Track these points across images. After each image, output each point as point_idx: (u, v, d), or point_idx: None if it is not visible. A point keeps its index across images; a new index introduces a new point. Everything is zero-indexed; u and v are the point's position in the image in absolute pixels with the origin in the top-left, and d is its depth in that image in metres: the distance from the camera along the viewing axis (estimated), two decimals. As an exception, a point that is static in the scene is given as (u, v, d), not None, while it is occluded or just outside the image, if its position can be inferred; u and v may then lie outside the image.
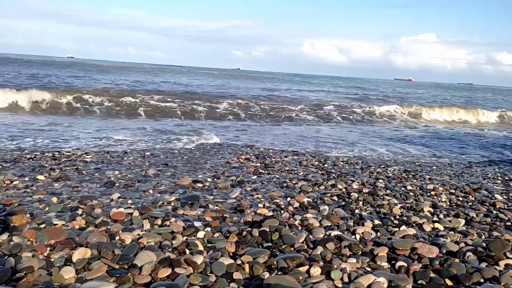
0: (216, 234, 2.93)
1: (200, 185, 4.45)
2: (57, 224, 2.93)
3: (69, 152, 6.13)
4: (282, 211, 3.62)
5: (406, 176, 5.54)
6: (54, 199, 3.56)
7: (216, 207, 3.63)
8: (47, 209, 3.29)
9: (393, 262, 2.56)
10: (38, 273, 2.12)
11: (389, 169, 6.15)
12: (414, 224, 3.40)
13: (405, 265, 2.49)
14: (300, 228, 3.19)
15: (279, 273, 2.31)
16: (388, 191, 4.51)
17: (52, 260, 2.31)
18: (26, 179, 4.28)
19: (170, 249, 2.56)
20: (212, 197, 4.02)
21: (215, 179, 4.79)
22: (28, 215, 3.04)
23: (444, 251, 2.78)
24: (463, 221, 3.57)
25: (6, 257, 2.30)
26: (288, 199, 4.01)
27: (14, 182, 4.10)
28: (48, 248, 2.47)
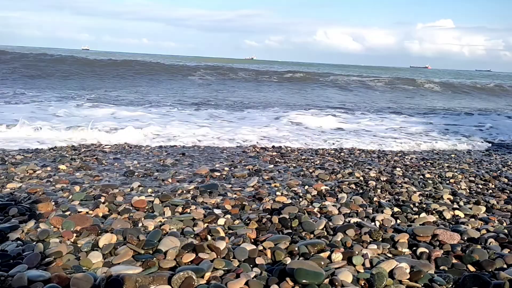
0: (236, 221, 2.97)
1: (217, 174, 4.49)
2: (81, 211, 3.00)
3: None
4: (300, 199, 3.63)
5: (424, 164, 5.48)
6: (77, 188, 3.64)
7: (235, 195, 3.66)
8: (70, 197, 3.37)
9: (414, 248, 2.56)
10: (66, 258, 2.19)
11: (406, 157, 6.09)
12: (434, 212, 3.38)
13: (427, 251, 2.48)
14: (319, 215, 3.21)
15: (300, 258, 2.33)
16: (406, 179, 4.48)
17: (79, 245, 2.38)
18: (48, 168, 4.38)
19: (192, 236, 2.60)
20: (230, 185, 4.05)
21: (232, 168, 4.82)
22: (53, 203, 3.12)
23: (466, 238, 2.77)
24: (483, 209, 3.53)
25: (34, 243, 2.38)
26: (306, 187, 4.02)
27: (37, 172, 4.20)
28: (75, 234, 2.54)
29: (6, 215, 2.84)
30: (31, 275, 1.86)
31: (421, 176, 4.73)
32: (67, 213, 2.92)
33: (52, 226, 2.63)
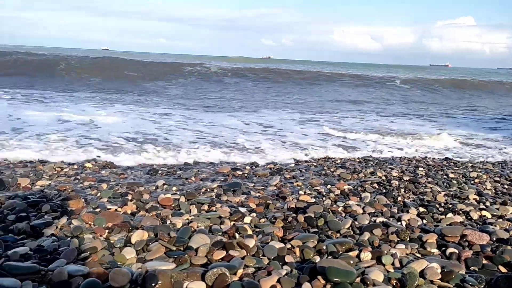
0: (262, 220, 3.00)
1: (239, 172, 4.53)
2: (110, 208, 3.06)
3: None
4: (324, 198, 3.64)
5: (447, 164, 5.42)
6: (104, 186, 3.72)
7: (258, 194, 3.69)
8: (98, 194, 3.44)
9: (443, 248, 2.54)
10: (101, 253, 2.24)
11: (428, 157, 6.03)
12: (460, 212, 3.34)
13: (456, 251, 2.47)
14: (343, 214, 3.21)
15: (329, 257, 2.34)
16: (429, 179, 4.44)
17: (111, 241, 2.44)
18: (75, 166, 4.48)
19: (220, 233, 2.64)
20: (252, 184, 4.08)
21: (254, 167, 4.85)
22: (83, 200, 3.20)
23: (494, 239, 2.73)
24: (511, 209, 3.48)
25: (69, 239, 2.44)
26: (329, 186, 4.02)
27: (64, 170, 4.30)
28: (107, 231, 2.60)
29: (39, 211, 2.92)
30: (71, 269, 1.91)
31: (445, 176, 4.68)
32: (97, 210, 2.99)
33: (84, 223, 2.69)
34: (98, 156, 5.08)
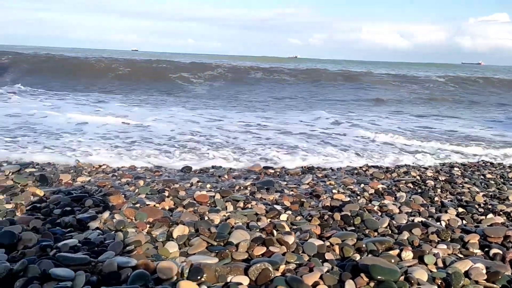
0: (298, 217, 3.01)
1: (271, 171, 4.55)
2: (149, 204, 3.14)
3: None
4: (358, 197, 3.61)
5: (483, 164, 5.27)
6: (141, 182, 3.82)
7: (292, 192, 3.70)
8: (136, 190, 3.54)
9: (486, 249, 2.48)
10: (145, 247, 2.31)
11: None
12: (501, 213, 3.25)
13: (500, 252, 2.40)
14: (379, 213, 3.18)
15: (369, 255, 2.33)
16: (466, 179, 4.34)
17: (154, 236, 2.50)
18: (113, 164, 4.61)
19: (257, 230, 2.66)
20: (285, 182, 4.09)
21: (285, 166, 4.86)
22: (123, 196, 3.29)
23: (540, 240, 2.64)
24: (555, 211, 3.35)
25: (113, 232, 2.53)
26: (362, 185, 3.99)
27: (102, 167, 4.44)
28: (148, 225, 2.67)
29: (82, 206, 3.03)
30: (120, 261, 1.98)
31: (482, 177, 4.56)
32: (137, 205, 3.07)
33: (126, 217, 2.78)
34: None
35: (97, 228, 2.61)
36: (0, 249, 2.18)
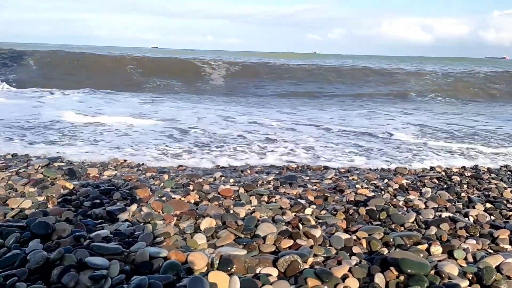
0: (323, 212, 3.01)
1: (294, 166, 4.55)
2: (175, 197, 3.19)
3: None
4: (382, 192, 3.59)
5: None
6: (166, 176, 3.88)
7: (315, 187, 3.70)
8: (162, 184, 3.60)
9: (517, 245, 2.44)
10: (174, 238, 2.35)
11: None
12: (531, 209, 3.18)
13: (532, 248, 2.36)
14: (405, 208, 3.15)
15: (397, 249, 2.31)
16: (493, 175, 4.25)
17: (181, 228, 2.55)
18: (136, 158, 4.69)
19: (283, 223, 2.68)
20: (308, 177, 4.09)
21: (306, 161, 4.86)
22: (149, 189, 3.36)
23: None
24: None
25: (142, 224, 2.58)
26: (386, 180, 3.95)
27: (127, 161, 4.52)
28: (175, 218, 2.72)
29: (110, 199, 3.11)
30: (152, 251, 2.03)
31: (509, 172, 4.46)
32: (163, 198, 3.13)
33: (153, 210, 2.83)
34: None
35: (126, 220, 2.67)
36: (35, 239, 2.26)
